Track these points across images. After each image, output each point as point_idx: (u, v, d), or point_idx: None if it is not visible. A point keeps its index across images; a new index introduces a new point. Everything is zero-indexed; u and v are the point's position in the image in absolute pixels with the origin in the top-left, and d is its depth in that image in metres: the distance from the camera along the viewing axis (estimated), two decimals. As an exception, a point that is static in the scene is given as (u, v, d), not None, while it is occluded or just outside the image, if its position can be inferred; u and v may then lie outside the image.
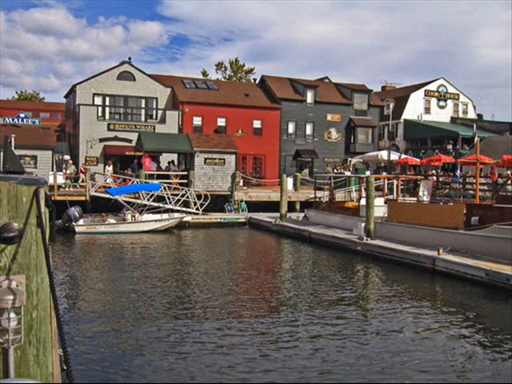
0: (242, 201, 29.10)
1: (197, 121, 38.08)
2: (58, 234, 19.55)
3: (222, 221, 26.34)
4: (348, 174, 31.70)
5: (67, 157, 31.79)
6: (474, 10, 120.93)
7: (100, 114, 35.73)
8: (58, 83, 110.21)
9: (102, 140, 34.50)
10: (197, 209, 26.05)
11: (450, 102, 50.45)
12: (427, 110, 49.36)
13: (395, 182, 24.08)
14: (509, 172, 24.79)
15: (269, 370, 7.56)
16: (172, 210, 25.00)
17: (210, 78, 53.42)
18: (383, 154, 25.82)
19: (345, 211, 22.25)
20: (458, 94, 50.98)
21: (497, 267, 13.05)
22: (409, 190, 28.23)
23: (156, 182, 26.14)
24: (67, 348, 2.90)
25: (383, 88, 55.79)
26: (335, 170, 36.05)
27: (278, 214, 24.79)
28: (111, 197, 23.56)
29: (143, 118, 37.68)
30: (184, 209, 25.47)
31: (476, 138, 26.23)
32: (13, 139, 26.19)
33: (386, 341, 8.97)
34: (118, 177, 29.06)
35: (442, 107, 50.08)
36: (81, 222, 22.51)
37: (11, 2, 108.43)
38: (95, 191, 25.14)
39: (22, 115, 37.30)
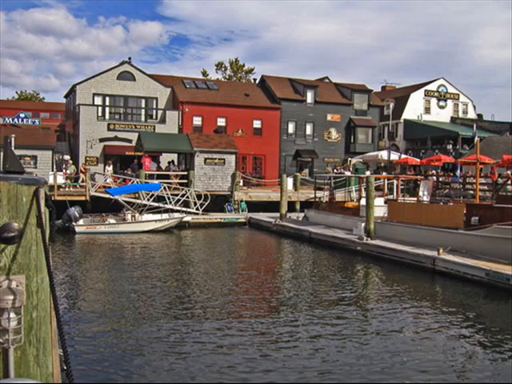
0: (242, 201, 29.10)
1: (197, 121, 38.10)
2: (57, 234, 19.55)
3: (222, 221, 26.34)
4: (348, 174, 31.70)
5: (67, 157, 31.76)
6: (473, 10, 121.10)
7: (100, 114, 35.73)
8: (58, 83, 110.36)
9: (102, 140, 34.51)
10: (197, 209, 26.05)
11: (449, 101, 50.46)
12: (427, 110, 49.36)
13: (395, 181, 24.08)
14: (509, 172, 24.83)
15: (269, 370, 7.56)
16: (172, 210, 24.99)
17: (210, 78, 53.40)
18: (383, 154, 25.77)
19: (345, 211, 22.25)
20: (458, 94, 50.99)
21: (497, 267, 13.05)
22: (409, 190, 28.23)
23: (156, 181, 26.14)
24: (67, 348, 2.90)
25: (383, 88, 55.82)
26: (335, 170, 36.06)
27: (277, 214, 24.78)
28: (111, 197, 23.55)
29: (143, 118, 37.68)
30: (184, 209, 25.47)
31: (476, 138, 26.22)
32: (13, 139, 26.19)
33: (386, 341, 8.97)
34: (118, 177, 29.06)
35: (441, 107, 50.08)
36: (81, 222, 22.51)
37: (11, 2, 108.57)
38: (95, 191, 25.14)
39: (22, 115, 37.31)
